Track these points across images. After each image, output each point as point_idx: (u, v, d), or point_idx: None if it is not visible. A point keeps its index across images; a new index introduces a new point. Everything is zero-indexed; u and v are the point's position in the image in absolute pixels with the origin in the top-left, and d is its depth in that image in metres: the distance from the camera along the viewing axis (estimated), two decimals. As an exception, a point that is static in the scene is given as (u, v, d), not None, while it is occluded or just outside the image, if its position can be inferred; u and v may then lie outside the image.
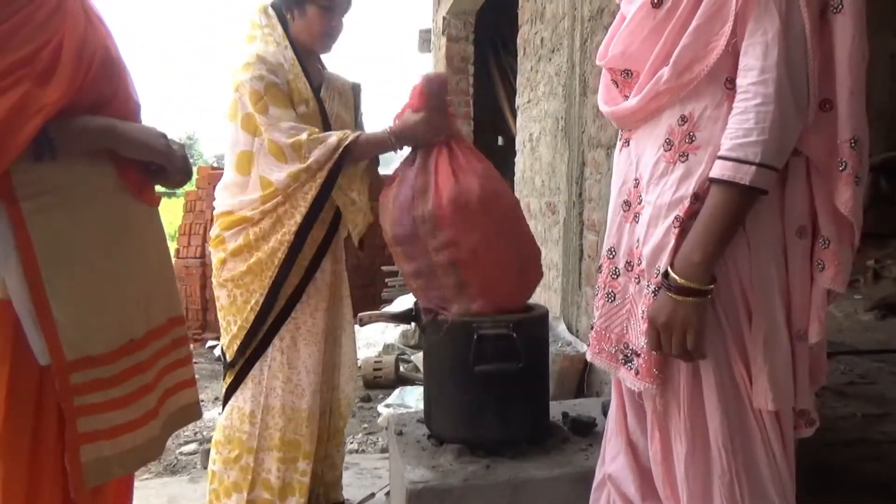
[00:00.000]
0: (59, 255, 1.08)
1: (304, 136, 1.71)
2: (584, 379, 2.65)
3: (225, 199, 1.84)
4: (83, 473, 1.09)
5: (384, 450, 2.82)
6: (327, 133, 1.75)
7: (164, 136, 1.22)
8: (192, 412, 1.36)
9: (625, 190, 1.19)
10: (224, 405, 1.85)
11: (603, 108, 1.23)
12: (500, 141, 6.84)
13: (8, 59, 1.00)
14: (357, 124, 1.98)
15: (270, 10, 1.85)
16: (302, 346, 1.82)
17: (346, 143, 1.71)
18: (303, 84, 1.80)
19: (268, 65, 1.75)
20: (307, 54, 1.87)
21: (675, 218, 1.05)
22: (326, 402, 1.94)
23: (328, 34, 1.84)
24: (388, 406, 3.19)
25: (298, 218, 1.73)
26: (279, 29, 1.83)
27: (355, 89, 2.01)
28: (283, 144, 1.71)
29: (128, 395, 1.16)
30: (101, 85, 1.12)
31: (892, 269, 4.33)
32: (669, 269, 1.03)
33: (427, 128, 1.70)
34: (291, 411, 1.80)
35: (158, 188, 1.34)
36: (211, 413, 3.40)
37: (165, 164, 1.23)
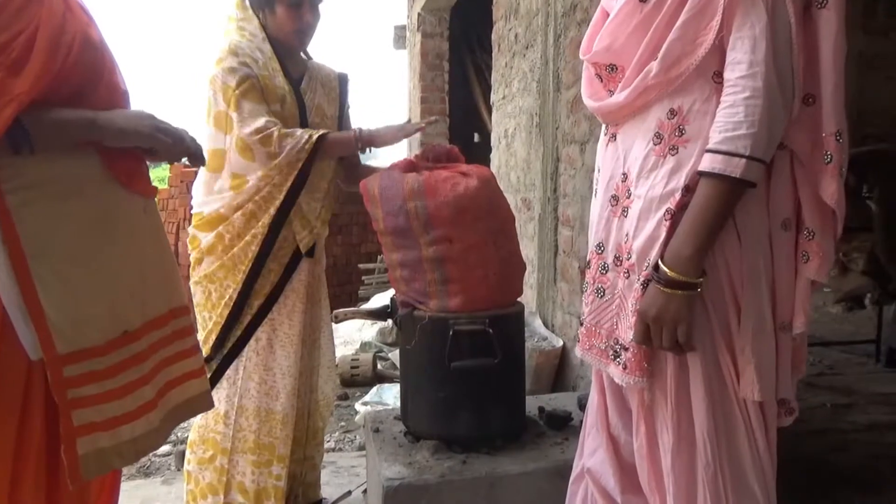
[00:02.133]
0: (48, 249, 1.07)
1: (274, 130, 1.69)
2: (559, 373, 2.67)
3: (199, 197, 1.82)
4: (81, 465, 1.08)
5: (361, 448, 2.81)
6: (295, 129, 1.73)
7: (151, 117, 1.18)
8: (201, 403, 1.35)
9: (612, 185, 1.19)
10: None
11: (588, 102, 1.23)
12: (477, 137, 6.84)
13: None
14: (342, 116, 1.96)
15: (247, 2, 1.82)
16: (278, 347, 1.80)
17: (316, 137, 1.70)
18: (280, 78, 1.78)
19: (240, 57, 1.73)
20: (286, 48, 1.84)
21: (667, 211, 1.06)
22: (305, 405, 1.93)
23: (299, 30, 1.81)
24: (365, 404, 3.17)
25: (272, 211, 1.72)
26: (255, 21, 1.81)
27: (342, 80, 1.98)
28: (252, 142, 1.69)
29: (123, 386, 1.15)
30: (82, 72, 1.11)
31: (858, 263, 4.42)
32: (660, 262, 1.04)
33: (396, 134, 1.76)
34: (266, 413, 1.78)
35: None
36: (185, 414, 3.35)
37: (154, 146, 1.21)
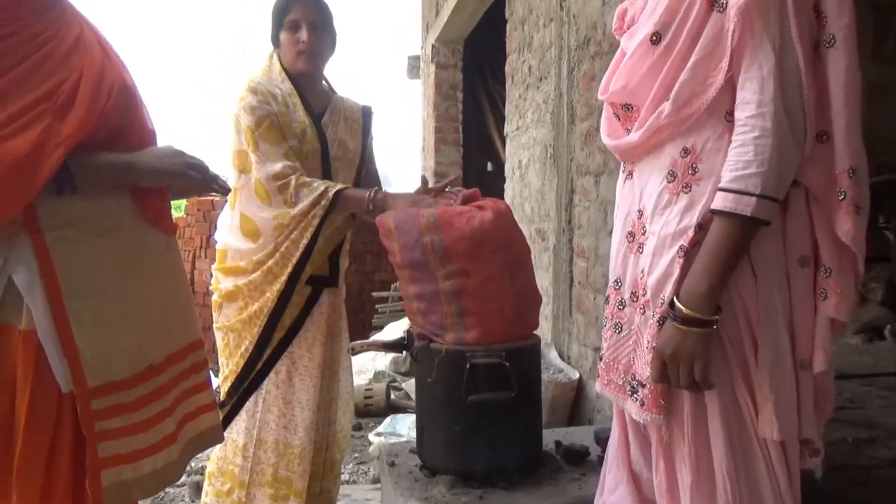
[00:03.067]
0: (82, 284, 1.11)
1: (291, 179, 1.70)
2: (575, 406, 2.65)
3: (222, 233, 1.85)
4: (104, 497, 1.11)
5: (376, 480, 2.79)
6: (313, 179, 1.73)
7: (180, 154, 1.24)
8: (213, 436, 1.37)
9: (629, 221, 1.21)
10: None
11: (606, 141, 1.25)
12: (490, 167, 6.89)
13: (32, 95, 1.04)
14: (365, 149, 1.97)
15: (273, 51, 1.89)
16: (297, 380, 1.80)
17: (335, 190, 1.70)
18: (300, 113, 1.80)
19: (259, 94, 1.76)
20: (307, 81, 1.86)
21: (680, 248, 1.06)
22: (323, 438, 1.92)
23: (301, 51, 1.81)
24: (379, 435, 3.16)
25: (290, 269, 1.73)
26: (277, 64, 1.85)
27: (365, 113, 2.00)
28: (271, 189, 1.71)
29: (147, 419, 1.18)
30: (118, 116, 1.16)
31: (877, 293, 4.37)
32: (675, 300, 1.05)
33: (412, 201, 1.72)
34: (284, 447, 1.78)
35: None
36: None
37: (186, 183, 1.27)
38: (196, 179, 1.25)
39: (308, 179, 1.72)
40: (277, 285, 1.74)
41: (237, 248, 1.79)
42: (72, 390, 1.09)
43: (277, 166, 1.71)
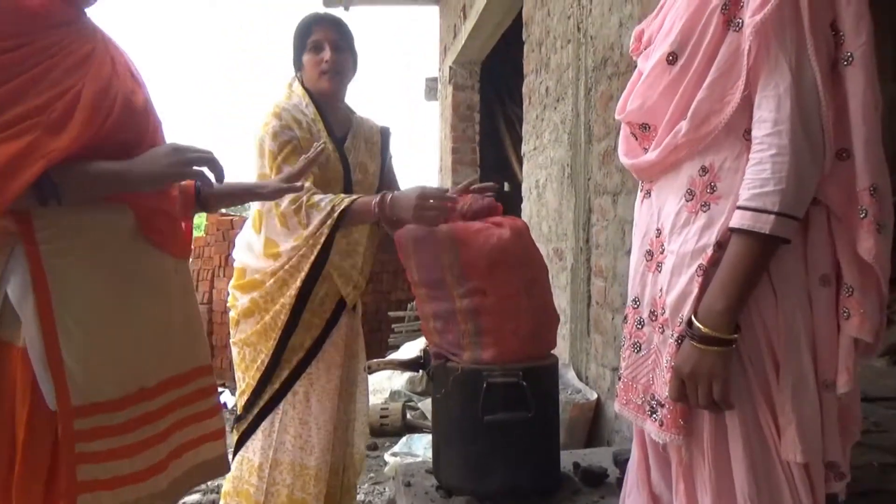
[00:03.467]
0: (74, 299, 1.08)
1: (302, 200, 1.71)
2: (593, 427, 2.62)
3: (241, 252, 1.87)
4: None
5: (391, 500, 2.77)
6: (322, 198, 1.73)
7: (177, 151, 1.16)
8: (218, 466, 1.32)
9: (647, 240, 1.20)
10: (234, 454, 1.83)
11: (623, 160, 1.26)
12: (507, 187, 6.91)
13: (23, 107, 1.01)
14: (384, 169, 1.99)
15: (294, 77, 1.91)
16: (314, 401, 1.80)
17: (340, 209, 1.70)
18: (323, 139, 1.81)
19: (283, 120, 1.77)
20: (329, 104, 1.88)
21: (699, 266, 1.06)
22: (339, 459, 1.91)
23: (324, 72, 1.83)
24: (395, 455, 3.14)
25: (299, 281, 1.74)
26: (299, 89, 1.87)
27: (384, 134, 2.02)
28: (287, 211, 1.73)
29: (133, 444, 1.14)
30: (122, 135, 1.14)
31: (902, 314, 4.29)
32: (693, 318, 1.04)
33: (416, 214, 1.64)
34: (300, 468, 1.77)
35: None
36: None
37: (186, 178, 1.21)
38: (196, 173, 1.18)
39: (317, 199, 1.72)
40: (291, 290, 1.74)
41: (256, 267, 1.81)
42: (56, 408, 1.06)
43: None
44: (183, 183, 1.32)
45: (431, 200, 1.63)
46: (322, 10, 1.88)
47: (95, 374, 1.10)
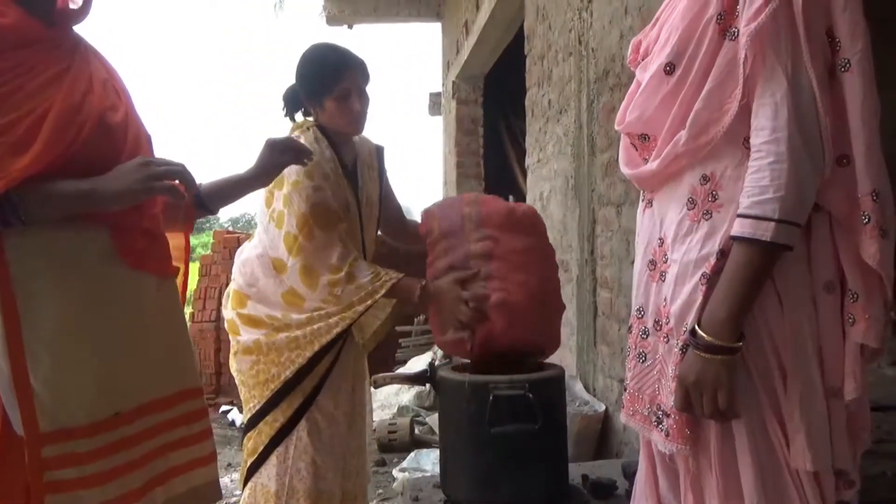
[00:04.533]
0: (43, 321, 1.04)
1: (342, 275, 1.69)
2: (602, 439, 2.60)
3: (247, 277, 1.82)
4: None
5: (400, 516, 2.75)
6: (364, 273, 1.71)
7: (144, 166, 1.11)
8: (208, 492, 1.27)
9: (650, 250, 1.20)
10: (246, 480, 1.81)
11: (624, 170, 1.26)
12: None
13: None
14: (382, 190, 1.97)
15: (312, 122, 1.86)
16: (324, 427, 1.78)
17: (382, 293, 1.69)
18: (344, 187, 1.80)
19: (315, 179, 1.73)
20: (342, 137, 1.85)
21: (702, 275, 1.06)
22: (353, 486, 1.88)
23: (352, 120, 1.80)
24: (403, 470, 3.13)
25: (316, 347, 1.71)
26: (319, 134, 1.82)
27: (379, 153, 1.99)
28: (322, 282, 1.70)
29: (107, 471, 1.08)
30: (93, 153, 1.10)
31: (913, 321, 4.26)
32: (696, 327, 1.04)
33: (452, 309, 1.68)
34: (317, 495, 1.76)
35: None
36: (223, 480, 3.34)
37: (155, 194, 1.15)
38: (164, 188, 1.12)
39: (358, 280, 1.70)
40: (299, 360, 1.72)
41: (268, 306, 1.76)
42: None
43: (334, 257, 1.70)
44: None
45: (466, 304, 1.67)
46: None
47: (65, 399, 1.05)
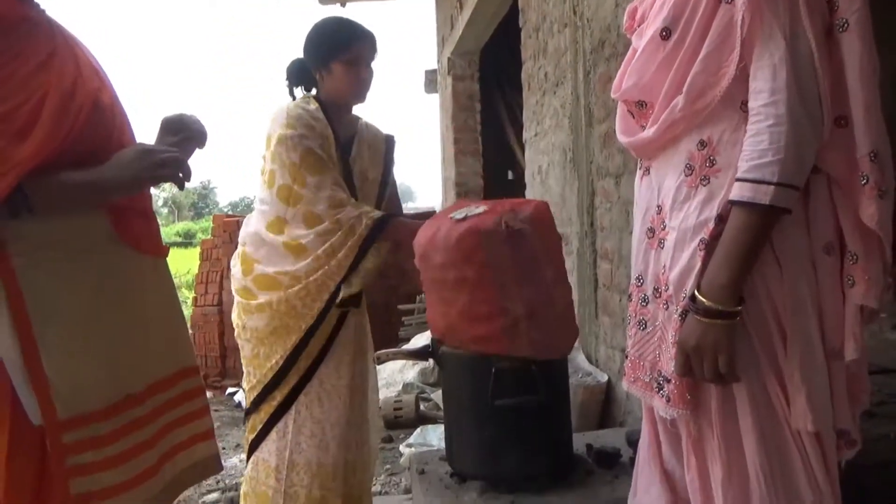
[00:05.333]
0: (52, 311, 1.05)
1: (347, 209, 1.73)
2: (605, 409, 2.62)
3: (254, 244, 1.83)
4: None
5: (407, 490, 2.79)
6: (368, 209, 1.77)
7: (147, 154, 1.12)
8: (210, 466, 1.30)
9: (648, 217, 1.20)
10: (249, 455, 1.84)
11: (621, 138, 1.25)
12: (510, 175, 6.90)
13: None
14: (386, 177, 1.98)
15: (313, 72, 1.89)
16: (326, 401, 1.80)
17: (380, 215, 1.74)
18: (332, 149, 1.81)
19: (298, 129, 1.75)
20: (338, 109, 1.87)
21: (701, 241, 1.06)
22: (356, 457, 1.91)
23: (358, 87, 1.84)
24: (409, 446, 3.16)
25: (331, 286, 1.74)
26: (313, 102, 1.85)
27: (388, 142, 2.01)
28: (328, 216, 1.73)
29: (123, 452, 1.11)
30: (91, 137, 1.10)
31: (914, 285, 4.26)
32: (696, 292, 1.04)
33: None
34: (317, 467, 1.78)
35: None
36: (232, 460, 3.38)
37: (161, 182, 1.16)
38: (170, 175, 1.13)
39: (364, 208, 1.76)
40: (319, 304, 1.74)
41: (274, 263, 1.78)
42: (42, 423, 1.03)
43: (330, 194, 1.74)
44: None
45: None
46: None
47: (80, 386, 1.07)
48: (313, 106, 1.83)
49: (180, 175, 1.16)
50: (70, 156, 1.07)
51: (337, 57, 1.81)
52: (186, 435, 1.25)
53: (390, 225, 1.76)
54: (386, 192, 1.98)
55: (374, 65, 1.89)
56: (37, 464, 1.06)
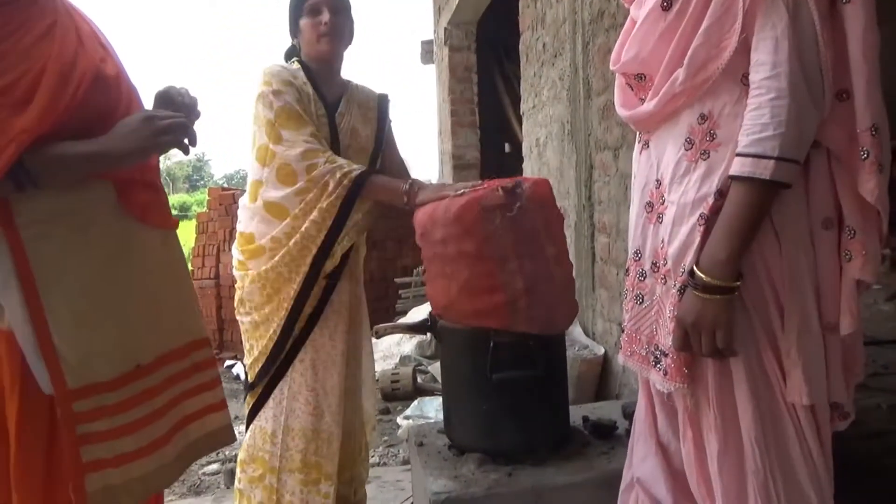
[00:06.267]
0: (60, 282, 1.06)
1: (320, 160, 1.70)
2: (602, 382, 2.64)
3: (245, 220, 1.85)
4: (89, 502, 1.06)
5: (405, 462, 2.82)
6: (343, 162, 1.72)
7: (149, 121, 1.11)
8: (223, 436, 1.32)
9: (647, 191, 1.20)
10: (248, 424, 1.86)
11: (620, 112, 1.24)
12: (508, 147, 6.85)
13: None
14: (382, 135, 1.96)
15: (292, 42, 1.89)
16: (321, 368, 1.81)
17: (357, 173, 1.69)
18: (313, 104, 1.80)
19: (274, 85, 1.75)
20: (323, 72, 1.86)
21: (700, 216, 1.05)
22: (351, 424, 1.93)
23: (322, 34, 1.81)
24: (407, 418, 3.19)
25: (314, 251, 1.72)
26: (294, 62, 1.86)
27: (381, 100, 1.99)
28: (300, 169, 1.70)
29: (134, 421, 1.13)
30: (92, 109, 1.09)
31: (909, 257, 4.28)
32: (695, 268, 1.04)
33: (439, 191, 1.69)
34: (312, 433, 1.80)
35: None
36: (232, 432, 3.40)
37: (165, 150, 1.16)
38: (173, 141, 1.12)
39: (339, 161, 1.71)
40: (304, 267, 1.73)
41: (262, 231, 1.79)
42: (52, 392, 1.05)
43: (304, 147, 1.71)
44: None
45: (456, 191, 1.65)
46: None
47: (88, 356, 1.08)
48: (294, 66, 1.84)
49: (185, 141, 1.15)
50: (73, 127, 1.06)
51: (301, 14, 1.83)
52: (199, 405, 1.27)
53: (369, 183, 1.72)
54: (381, 148, 1.96)
55: (342, 11, 1.84)
56: (47, 432, 1.09)
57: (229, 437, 1.34)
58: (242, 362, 1.91)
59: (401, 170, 2.02)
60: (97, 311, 1.11)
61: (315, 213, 1.71)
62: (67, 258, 1.08)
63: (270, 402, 1.81)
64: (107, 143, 1.08)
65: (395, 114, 2.03)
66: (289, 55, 1.92)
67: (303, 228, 1.72)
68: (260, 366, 1.80)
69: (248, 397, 1.87)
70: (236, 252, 1.86)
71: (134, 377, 1.14)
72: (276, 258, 1.74)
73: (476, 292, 1.59)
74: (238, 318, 1.86)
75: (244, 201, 1.86)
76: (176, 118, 1.13)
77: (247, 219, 1.84)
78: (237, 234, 1.88)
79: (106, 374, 1.10)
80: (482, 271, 1.58)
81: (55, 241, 1.07)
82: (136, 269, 1.18)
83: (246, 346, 1.85)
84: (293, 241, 1.73)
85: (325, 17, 1.80)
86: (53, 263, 1.06)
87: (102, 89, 1.12)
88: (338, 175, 1.70)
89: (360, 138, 1.90)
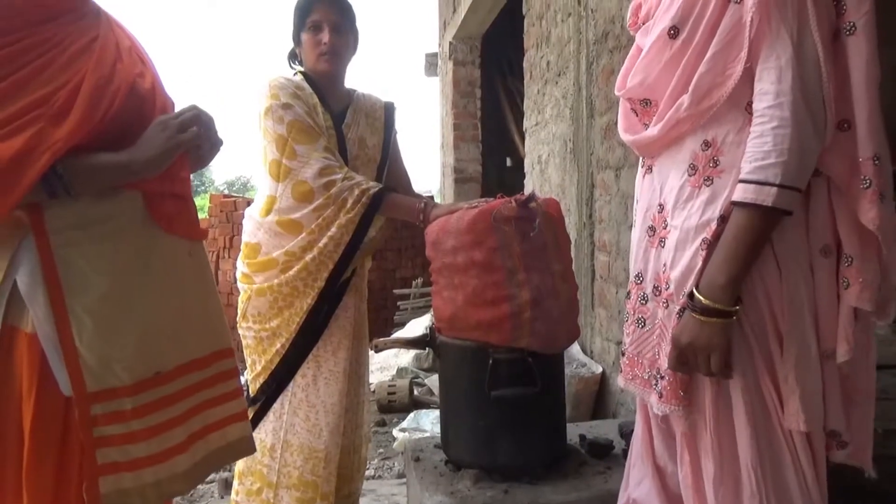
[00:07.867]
0: (85, 289, 1.09)
1: (338, 178, 1.70)
2: (599, 400, 2.65)
3: (251, 230, 1.85)
4: None
5: (400, 475, 2.81)
6: (360, 179, 1.73)
7: (163, 125, 1.15)
8: (243, 447, 1.33)
9: (649, 216, 1.21)
10: None
11: (624, 136, 1.26)
12: (509, 162, 6.88)
13: (27, 100, 1.02)
14: (388, 145, 1.97)
15: (294, 49, 1.91)
16: (322, 384, 1.81)
17: (375, 191, 1.70)
18: (320, 115, 1.81)
19: (281, 99, 1.75)
20: (327, 83, 1.87)
21: (703, 241, 1.07)
22: (350, 441, 1.93)
23: (323, 52, 1.82)
24: (403, 430, 3.18)
25: (330, 267, 1.73)
26: (297, 74, 1.87)
27: (387, 108, 2.00)
28: (317, 186, 1.71)
29: (150, 427, 1.15)
30: (126, 120, 1.13)
31: (907, 282, 4.29)
32: (695, 291, 1.05)
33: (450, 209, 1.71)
34: (309, 451, 1.79)
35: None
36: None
37: (184, 148, 1.18)
38: (194, 141, 1.17)
39: (356, 178, 1.73)
40: (319, 282, 1.73)
41: (272, 244, 1.78)
42: (72, 394, 1.08)
43: (321, 164, 1.71)
44: None
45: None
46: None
47: (109, 361, 1.11)
48: (297, 77, 1.85)
49: (208, 138, 1.20)
50: (107, 138, 1.10)
51: (303, 27, 1.84)
52: (221, 415, 1.28)
53: (386, 200, 1.74)
54: (388, 156, 1.96)
55: (343, 29, 1.85)
56: (60, 434, 1.11)
57: (249, 448, 1.35)
58: (247, 378, 1.90)
59: (405, 181, 2.03)
60: (120, 319, 1.14)
61: (333, 229, 1.71)
62: (94, 265, 1.11)
63: (271, 416, 1.80)
64: (132, 153, 1.13)
65: (399, 124, 2.05)
66: (292, 58, 1.93)
67: (320, 244, 1.72)
68: (262, 381, 1.80)
69: (248, 408, 1.87)
70: (241, 265, 1.85)
71: (153, 384, 1.16)
72: (292, 272, 1.74)
73: (482, 303, 1.61)
74: (240, 331, 1.86)
75: (252, 212, 1.86)
76: (188, 113, 1.18)
77: (253, 229, 1.84)
78: (242, 245, 1.88)
79: (125, 380, 1.12)
80: (490, 282, 1.59)
81: (83, 249, 1.10)
82: (161, 279, 1.20)
83: (248, 360, 1.85)
84: (310, 255, 1.73)
85: (326, 37, 1.81)
86: (80, 270, 1.09)
87: (137, 103, 1.16)
88: (356, 192, 1.71)
89: (367, 148, 1.91)
